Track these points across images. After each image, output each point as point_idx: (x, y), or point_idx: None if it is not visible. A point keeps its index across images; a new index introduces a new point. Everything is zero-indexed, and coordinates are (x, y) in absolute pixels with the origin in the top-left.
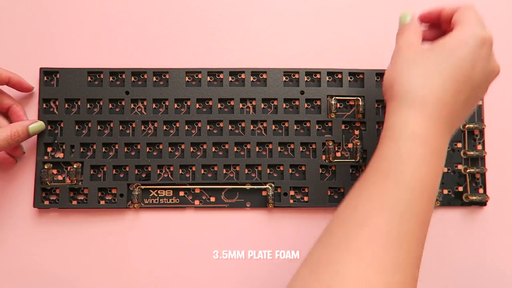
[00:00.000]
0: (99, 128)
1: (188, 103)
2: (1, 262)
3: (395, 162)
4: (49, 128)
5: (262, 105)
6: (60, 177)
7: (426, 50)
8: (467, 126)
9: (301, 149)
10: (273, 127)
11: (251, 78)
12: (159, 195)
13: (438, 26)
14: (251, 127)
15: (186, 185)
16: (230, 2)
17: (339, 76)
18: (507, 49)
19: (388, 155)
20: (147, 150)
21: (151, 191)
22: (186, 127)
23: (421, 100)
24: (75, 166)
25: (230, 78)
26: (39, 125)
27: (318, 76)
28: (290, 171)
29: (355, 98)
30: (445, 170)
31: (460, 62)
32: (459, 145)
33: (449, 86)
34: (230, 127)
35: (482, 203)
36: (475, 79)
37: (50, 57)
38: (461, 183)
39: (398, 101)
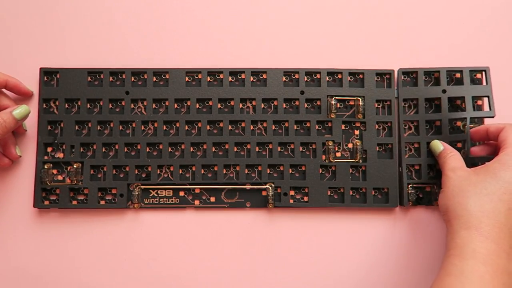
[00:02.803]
0: (99, 128)
1: (188, 103)
2: (1, 262)
3: (459, 278)
4: (49, 128)
5: (262, 105)
6: (60, 177)
7: (472, 174)
8: (467, 126)
9: (301, 149)
10: (273, 127)
11: (251, 78)
12: (159, 195)
13: (488, 142)
14: (251, 127)
15: (186, 185)
16: (230, 2)
17: (339, 76)
18: (507, 53)
19: (452, 271)
20: (147, 150)
21: (151, 191)
22: (186, 127)
23: (476, 222)
24: (75, 166)
25: (230, 78)
26: (23, 108)
27: (318, 76)
28: (290, 171)
29: (355, 98)
30: None
31: (505, 184)
32: (459, 145)
33: (501, 207)
34: (230, 127)
35: None
36: None
37: (50, 57)
38: None
39: (456, 223)
